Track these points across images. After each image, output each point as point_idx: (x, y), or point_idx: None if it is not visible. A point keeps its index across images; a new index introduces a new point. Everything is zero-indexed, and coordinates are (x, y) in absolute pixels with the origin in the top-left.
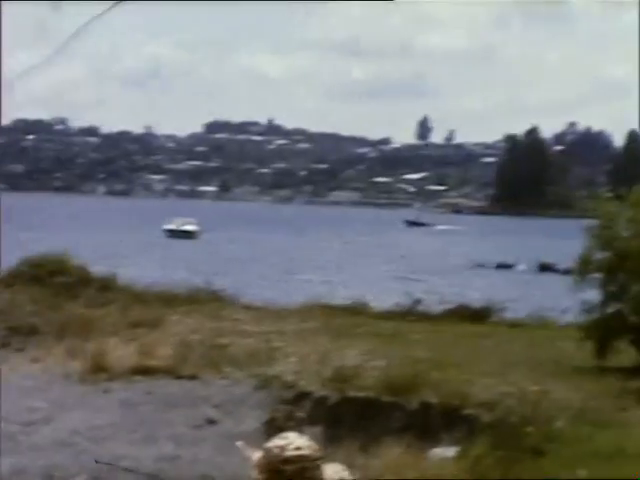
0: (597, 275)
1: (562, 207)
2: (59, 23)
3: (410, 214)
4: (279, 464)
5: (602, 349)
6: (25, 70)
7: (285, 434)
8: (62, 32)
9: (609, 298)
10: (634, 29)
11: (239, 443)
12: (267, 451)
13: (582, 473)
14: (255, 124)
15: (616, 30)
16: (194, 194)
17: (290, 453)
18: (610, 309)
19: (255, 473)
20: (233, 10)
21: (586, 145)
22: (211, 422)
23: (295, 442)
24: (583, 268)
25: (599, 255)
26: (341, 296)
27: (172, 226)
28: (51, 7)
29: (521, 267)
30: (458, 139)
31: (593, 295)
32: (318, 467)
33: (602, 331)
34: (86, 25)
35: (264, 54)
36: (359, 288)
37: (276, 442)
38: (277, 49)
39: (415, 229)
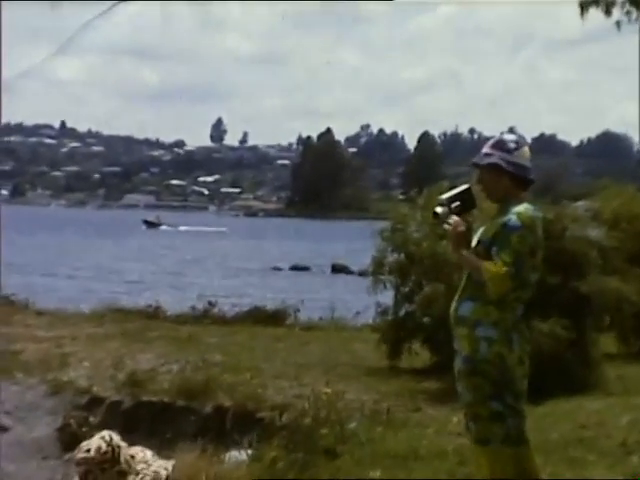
0: (390, 277)
1: (357, 209)
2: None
3: (149, 214)
4: (75, 465)
5: (395, 350)
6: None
7: (103, 433)
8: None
9: (402, 300)
10: (425, 32)
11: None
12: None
13: (376, 474)
14: (48, 127)
15: (408, 33)
16: None
17: (81, 455)
18: (403, 311)
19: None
20: (17, 10)
21: (379, 147)
22: (3, 429)
23: (90, 444)
24: (376, 270)
25: (392, 257)
26: (134, 300)
27: None
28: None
29: (314, 269)
30: (253, 142)
31: (387, 297)
32: (104, 470)
33: (395, 333)
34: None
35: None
36: (150, 291)
37: (83, 443)
38: (67, 51)
39: (160, 230)
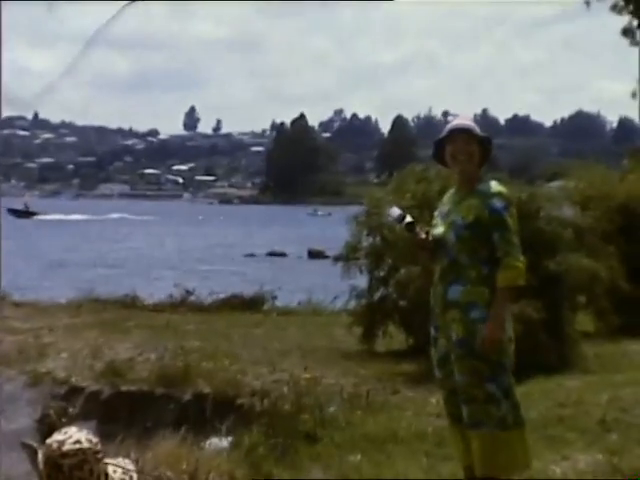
0: (365, 261)
1: (332, 194)
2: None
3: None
4: (57, 458)
5: (371, 334)
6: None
7: (65, 429)
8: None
9: (377, 283)
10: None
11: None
12: (47, 447)
13: (356, 457)
14: (21, 119)
15: (380, 16)
16: None
17: (69, 447)
18: (378, 294)
19: (38, 470)
20: None
21: (353, 132)
22: None
23: (74, 436)
24: (350, 254)
25: (366, 241)
26: (111, 290)
27: None
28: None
29: (292, 255)
30: (226, 129)
31: (362, 281)
32: (99, 461)
33: (371, 316)
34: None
35: (24, 47)
36: (130, 281)
37: (56, 437)
38: (37, 43)
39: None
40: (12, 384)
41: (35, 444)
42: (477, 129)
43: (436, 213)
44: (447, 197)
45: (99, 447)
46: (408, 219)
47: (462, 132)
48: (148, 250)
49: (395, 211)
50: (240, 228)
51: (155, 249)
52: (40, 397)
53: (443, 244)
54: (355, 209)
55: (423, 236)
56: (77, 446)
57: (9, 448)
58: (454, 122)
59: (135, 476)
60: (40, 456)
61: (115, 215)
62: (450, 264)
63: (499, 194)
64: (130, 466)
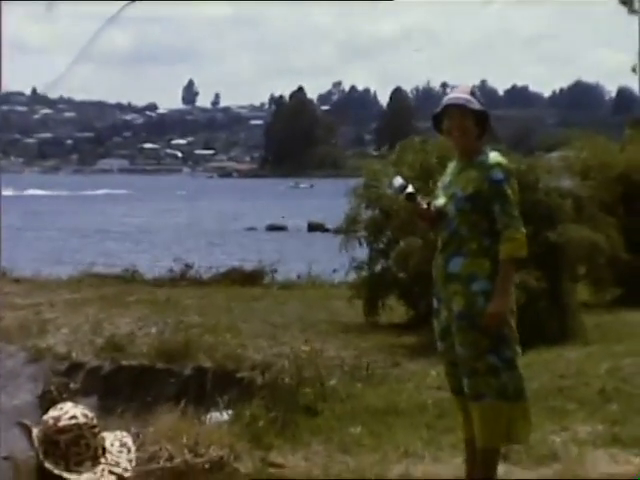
0: (365, 233)
1: (332, 167)
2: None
3: None
4: (54, 435)
5: (372, 306)
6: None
7: (60, 405)
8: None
9: (376, 256)
10: None
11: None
12: (43, 423)
13: (356, 430)
14: (19, 94)
15: None
16: None
17: (64, 422)
18: (378, 266)
19: (34, 447)
20: None
21: (352, 104)
22: None
23: (70, 412)
24: (349, 227)
25: (366, 214)
26: (110, 264)
27: None
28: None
29: (292, 228)
30: (225, 103)
31: (362, 253)
32: (95, 435)
33: (371, 288)
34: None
35: (22, 22)
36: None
37: (51, 413)
38: (35, 17)
39: None
40: (13, 360)
41: (29, 422)
42: (473, 102)
43: (439, 184)
44: (449, 168)
45: (95, 422)
46: (409, 189)
47: (456, 107)
48: (146, 225)
49: (398, 180)
50: (239, 202)
51: (155, 223)
52: (41, 373)
53: (444, 216)
54: (355, 182)
55: (424, 206)
56: (73, 421)
57: (11, 424)
58: (450, 95)
59: (133, 449)
60: (35, 433)
61: (101, 192)
62: (451, 236)
63: (498, 165)
64: (127, 439)
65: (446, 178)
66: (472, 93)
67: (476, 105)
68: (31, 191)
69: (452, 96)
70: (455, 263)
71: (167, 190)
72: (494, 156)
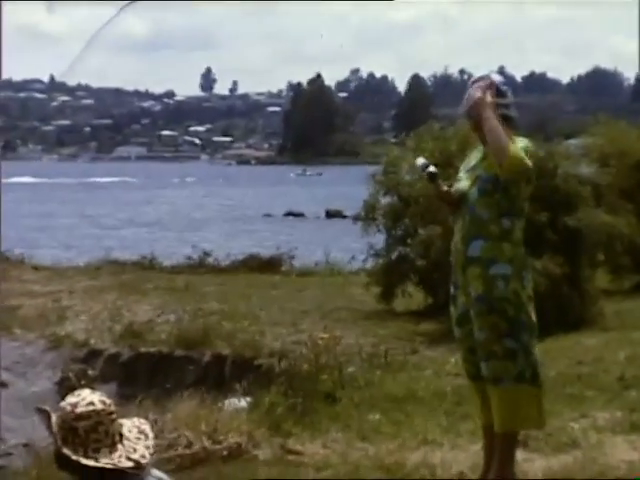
0: (383, 220)
1: (350, 154)
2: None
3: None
4: (72, 421)
5: (390, 293)
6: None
7: (78, 391)
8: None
9: (395, 243)
10: None
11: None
12: (61, 410)
13: (375, 417)
14: (38, 82)
15: None
16: None
17: (82, 409)
18: (396, 254)
19: (53, 434)
20: None
21: (370, 91)
22: (2, 385)
23: (87, 398)
24: (368, 214)
25: (384, 200)
26: (129, 252)
27: None
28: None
29: (310, 215)
30: (243, 90)
31: (380, 241)
32: (113, 421)
33: (389, 276)
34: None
35: (39, 11)
36: (145, 244)
37: (69, 400)
38: (52, 5)
39: None
40: (32, 347)
41: (48, 408)
42: (481, 100)
43: (461, 167)
44: (474, 152)
45: (113, 408)
46: (432, 168)
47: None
48: (158, 213)
49: (420, 160)
50: (257, 189)
51: (169, 211)
52: (60, 360)
53: (465, 200)
54: (373, 169)
55: (445, 188)
56: (91, 408)
57: (30, 411)
58: (464, 98)
59: (151, 436)
60: (54, 419)
61: (117, 179)
62: (472, 219)
63: (523, 148)
64: (145, 426)
65: (471, 161)
66: (489, 86)
67: (487, 98)
68: (57, 179)
69: (464, 98)
70: (475, 246)
71: (183, 177)
72: (519, 140)
